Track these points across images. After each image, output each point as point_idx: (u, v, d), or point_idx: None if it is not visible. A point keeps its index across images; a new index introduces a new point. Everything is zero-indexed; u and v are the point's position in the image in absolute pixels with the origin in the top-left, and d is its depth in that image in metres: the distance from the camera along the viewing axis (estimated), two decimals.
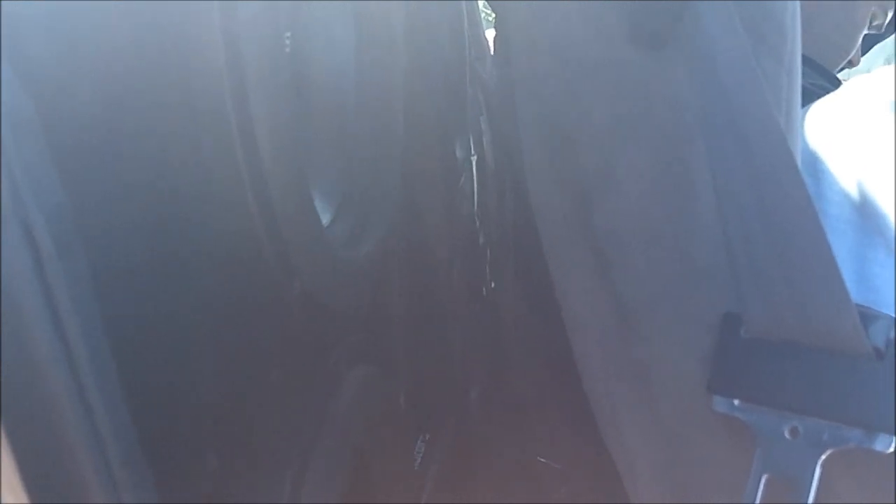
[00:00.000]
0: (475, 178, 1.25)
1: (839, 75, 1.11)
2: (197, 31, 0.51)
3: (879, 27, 1.08)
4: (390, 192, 0.87)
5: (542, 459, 1.22)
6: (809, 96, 0.79)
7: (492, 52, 1.29)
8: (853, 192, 0.68)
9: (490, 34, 1.32)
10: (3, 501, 0.35)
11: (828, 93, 0.83)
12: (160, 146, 0.48)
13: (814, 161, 0.71)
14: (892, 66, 1.16)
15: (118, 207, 0.43)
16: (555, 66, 0.65)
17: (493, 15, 1.03)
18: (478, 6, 1.43)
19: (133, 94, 0.45)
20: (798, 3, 0.63)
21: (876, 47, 1.59)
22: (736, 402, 0.57)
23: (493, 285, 1.32)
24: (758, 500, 0.54)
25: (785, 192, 0.55)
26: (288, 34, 0.69)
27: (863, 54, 1.20)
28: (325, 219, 0.74)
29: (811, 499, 0.53)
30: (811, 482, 0.53)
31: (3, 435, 0.34)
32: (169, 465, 0.46)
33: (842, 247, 0.57)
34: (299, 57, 0.73)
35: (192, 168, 0.51)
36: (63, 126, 0.38)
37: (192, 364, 0.52)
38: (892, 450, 0.53)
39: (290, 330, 0.64)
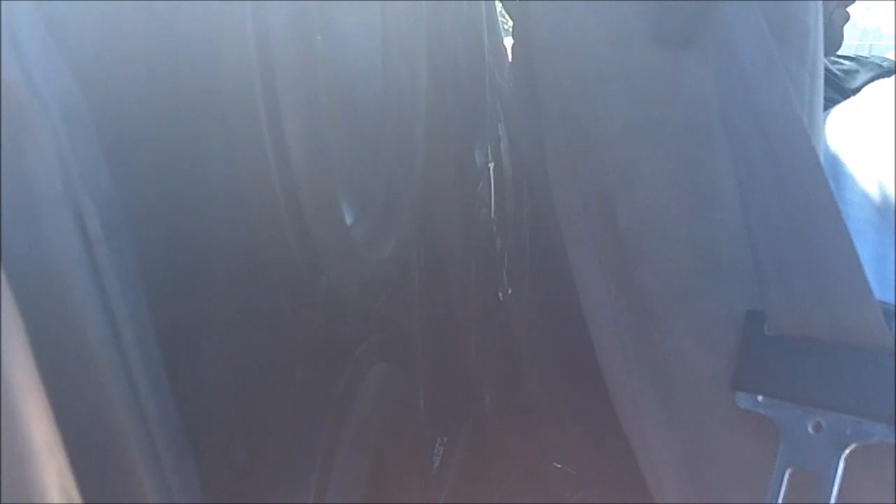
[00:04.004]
0: (492, 184, 1.26)
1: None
2: (230, 31, 0.52)
3: None
4: (410, 196, 0.88)
5: (558, 465, 1.22)
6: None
7: (510, 60, 1.31)
8: (874, 194, 0.68)
9: (508, 42, 1.34)
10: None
11: (836, 104, 0.84)
12: (196, 143, 0.49)
13: (834, 164, 0.71)
14: None
15: (160, 193, 0.45)
16: (576, 66, 0.66)
17: (511, 24, 1.04)
18: (496, 15, 1.44)
19: (170, 92, 0.46)
20: (820, 3, 0.64)
21: None
22: (760, 398, 0.58)
23: (509, 291, 1.33)
24: (781, 495, 0.55)
25: (809, 191, 0.56)
26: (319, 38, 0.70)
27: None
28: (349, 219, 0.75)
29: (835, 493, 0.53)
30: (835, 477, 0.54)
31: (51, 410, 0.35)
32: (200, 454, 0.47)
33: (863, 247, 0.58)
34: (327, 59, 0.74)
35: (225, 164, 0.52)
36: (112, 114, 0.39)
37: (223, 357, 0.53)
38: None
39: (316, 326, 0.65)
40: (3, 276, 0.34)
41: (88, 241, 0.36)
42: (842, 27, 1.22)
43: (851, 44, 1.38)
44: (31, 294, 0.35)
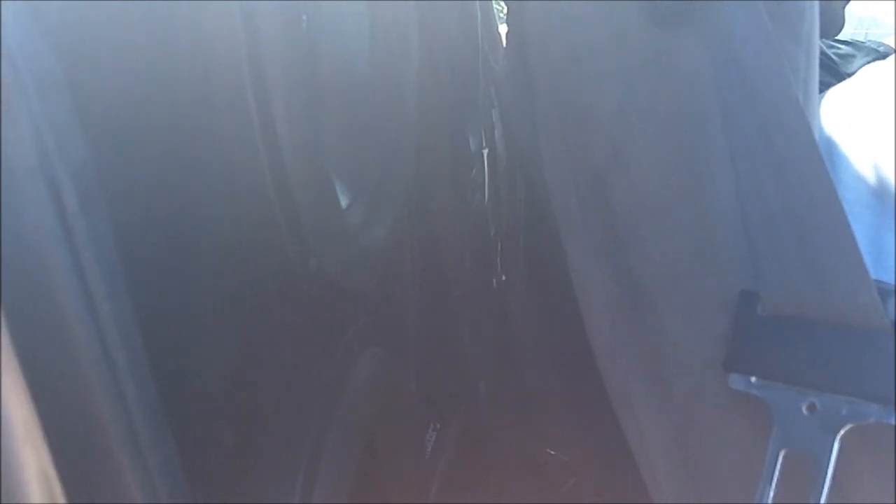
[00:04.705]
0: (486, 170, 1.26)
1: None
2: (217, 9, 0.51)
3: None
4: (404, 180, 0.88)
5: (551, 451, 1.22)
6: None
7: (504, 46, 1.30)
8: (869, 175, 0.68)
9: (503, 29, 1.33)
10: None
11: (830, 87, 0.83)
12: (181, 120, 0.48)
13: (829, 145, 0.71)
14: None
15: (140, 169, 0.44)
16: (569, 47, 0.65)
17: (506, 10, 1.04)
18: (491, 2, 1.43)
19: (154, 63, 0.45)
20: None
21: None
22: (753, 379, 0.57)
23: (503, 277, 1.32)
24: (775, 477, 0.54)
25: (804, 170, 0.56)
26: (304, 17, 0.69)
27: None
28: (343, 202, 0.75)
29: (829, 474, 0.53)
30: (830, 458, 0.53)
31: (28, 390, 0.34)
32: (185, 437, 0.46)
33: (858, 229, 0.57)
34: (316, 42, 0.73)
35: (212, 140, 0.51)
36: (88, 86, 0.38)
37: (209, 338, 0.52)
38: None
39: (306, 308, 0.64)
40: None
41: (64, 214, 0.35)
42: (843, 9, 1.21)
43: (847, 32, 1.37)
44: (4, 269, 0.34)
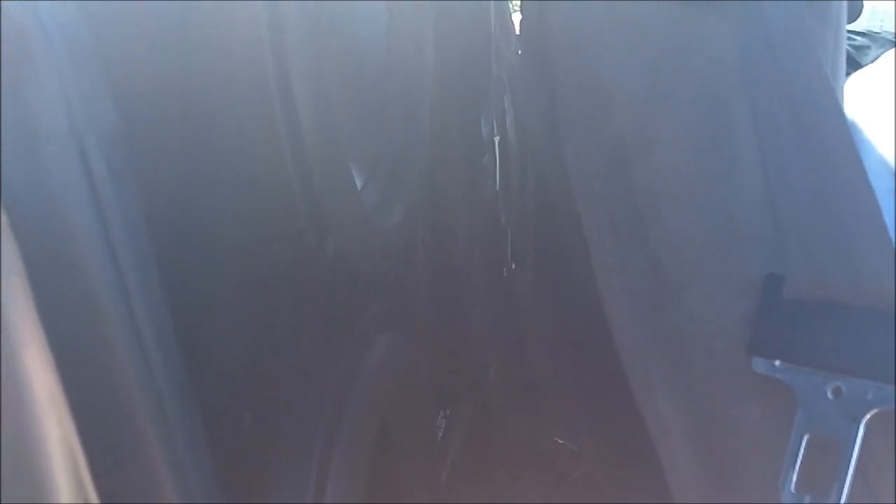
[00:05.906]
0: (497, 157, 1.25)
1: None
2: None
3: None
4: (417, 166, 0.87)
5: (560, 440, 1.21)
6: None
7: (517, 33, 1.29)
8: (893, 162, 0.67)
9: (516, 17, 1.32)
10: None
11: (846, 77, 0.82)
12: (206, 96, 0.48)
13: (851, 132, 0.70)
14: None
15: (164, 147, 0.43)
16: (595, 28, 0.65)
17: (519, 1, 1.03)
18: None
19: (182, 44, 0.45)
20: None
21: None
22: (777, 362, 0.57)
23: (513, 266, 1.32)
24: (799, 461, 0.54)
25: (834, 150, 0.55)
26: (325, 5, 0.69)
27: None
28: (358, 184, 0.74)
29: (854, 459, 0.52)
30: (855, 442, 0.53)
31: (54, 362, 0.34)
32: (203, 415, 0.46)
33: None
34: (334, 30, 0.73)
35: (235, 114, 0.51)
36: (118, 54, 0.38)
37: (230, 315, 0.51)
38: None
39: (323, 291, 0.64)
40: (2, 217, 0.32)
41: (93, 181, 0.34)
42: None
43: (862, 24, 1.36)
44: (32, 237, 0.33)
